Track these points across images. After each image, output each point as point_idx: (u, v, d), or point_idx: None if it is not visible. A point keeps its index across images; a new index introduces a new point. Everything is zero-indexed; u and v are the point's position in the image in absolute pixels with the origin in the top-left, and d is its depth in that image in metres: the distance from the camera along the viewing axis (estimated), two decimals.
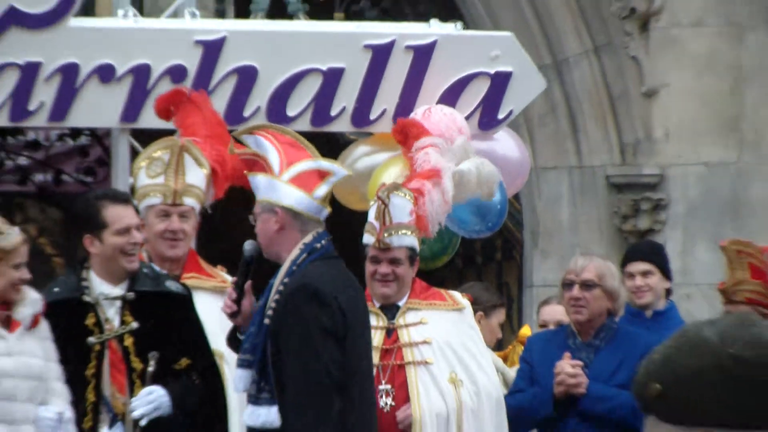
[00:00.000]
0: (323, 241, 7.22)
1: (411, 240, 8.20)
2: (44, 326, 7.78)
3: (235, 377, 7.61)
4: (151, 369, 7.81)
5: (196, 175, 8.51)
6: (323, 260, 7.26)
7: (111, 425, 7.83)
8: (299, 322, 7.14)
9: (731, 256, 8.87)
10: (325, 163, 7.62)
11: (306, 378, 7.18)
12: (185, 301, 8.02)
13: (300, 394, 7.19)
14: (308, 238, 7.18)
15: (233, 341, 7.61)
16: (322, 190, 7.38)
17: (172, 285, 8.08)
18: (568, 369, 8.59)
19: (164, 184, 8.44)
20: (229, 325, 7.83)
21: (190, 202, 8.39)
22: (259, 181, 7.46)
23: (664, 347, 2.50)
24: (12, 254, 7.63)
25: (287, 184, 7.37)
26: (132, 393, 7.86)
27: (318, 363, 7.20)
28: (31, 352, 7.83)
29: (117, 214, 7.84)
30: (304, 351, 7.19)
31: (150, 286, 7.94)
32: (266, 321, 7.21)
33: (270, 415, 7.29)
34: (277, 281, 7.19)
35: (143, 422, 7.72)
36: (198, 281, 8.46)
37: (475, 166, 8.90)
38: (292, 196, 7.27)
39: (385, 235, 8.08)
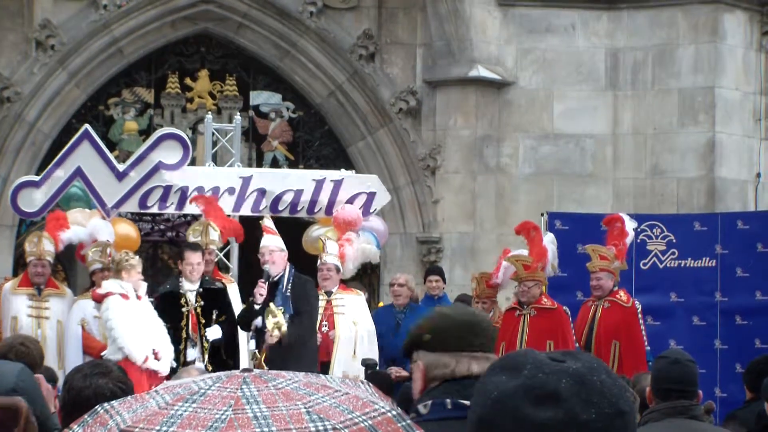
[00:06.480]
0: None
1: (335, 260, 11.69)
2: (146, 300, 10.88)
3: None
4: (214, 318, 11.10)
5: (214, 235, 12.10)
6: (298, 272, 11.11)
7: (192, 347, 11.15)
8: (308, 293, 10.95)
9: (478, 278, 12.42)
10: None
11: (311, 312, 10.89)
12: (224, 291, 11.51)
13: (307, 316, 10.76)
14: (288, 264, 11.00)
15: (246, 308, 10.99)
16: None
17: (217, 284, 11.49)
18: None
19: (201, 240, 11.90)
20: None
21: (212, 247, 11.98)
22: (268, 238, 11.12)
23: (428, 318, 3.50)
24: (135, 268, 11.06)
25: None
26: (200, 333, 10.97)
27: (314, 307, 10.95)
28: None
29: (188, 256, 11.30)
30: (311, 303, 10.93)
31: (208, 285, 11.32)
32: (288, 293, 10.73)
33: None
34: (285, 279, 10.76)
35: (211, 340, 11.03)
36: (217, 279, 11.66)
37: (369, 246, 12.41)
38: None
39: (325, 258, 11.67)
